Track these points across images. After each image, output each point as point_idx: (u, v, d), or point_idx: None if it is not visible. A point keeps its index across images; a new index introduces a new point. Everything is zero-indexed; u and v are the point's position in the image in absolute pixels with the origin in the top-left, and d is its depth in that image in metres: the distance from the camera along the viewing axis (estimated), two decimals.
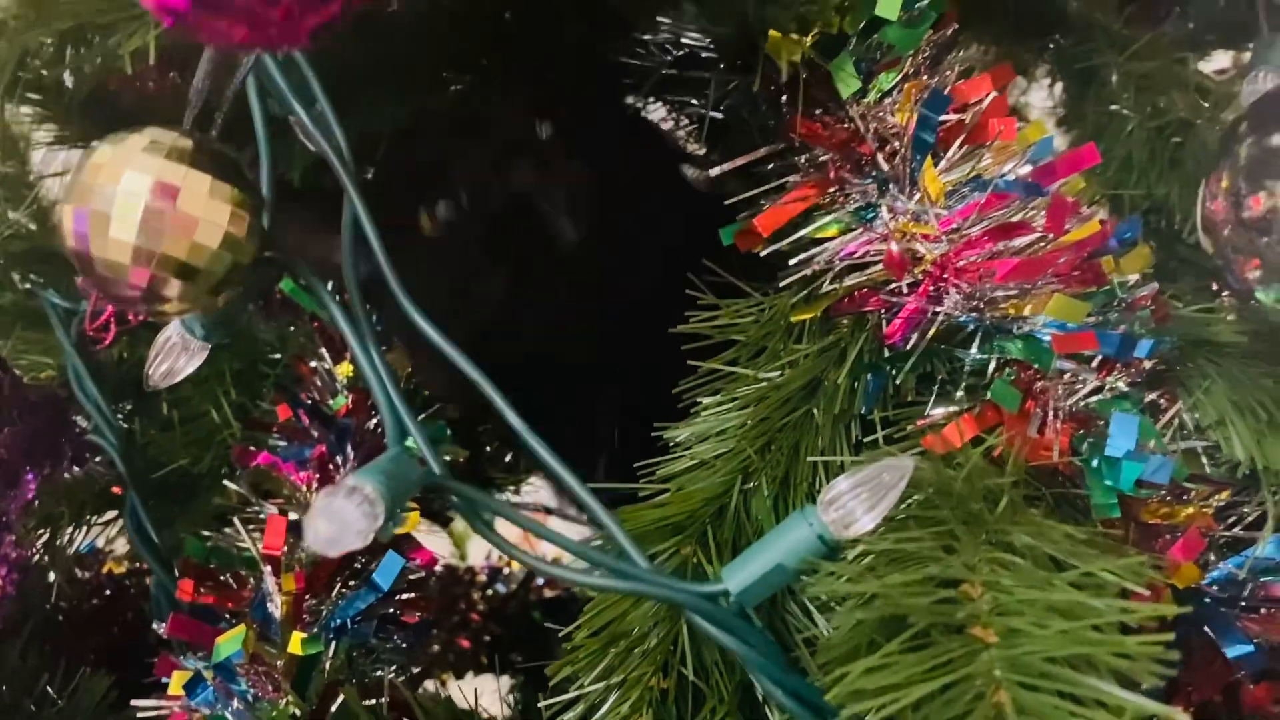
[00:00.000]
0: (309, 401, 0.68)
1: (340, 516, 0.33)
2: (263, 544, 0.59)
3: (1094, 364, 0.49)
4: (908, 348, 0.51)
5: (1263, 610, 0.49)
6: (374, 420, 0.67)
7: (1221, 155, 0.48)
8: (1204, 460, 0.50)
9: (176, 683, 0.57)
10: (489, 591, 1.16)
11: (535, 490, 1.02)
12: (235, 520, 0.63)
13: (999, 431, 0.48)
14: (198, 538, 0.63)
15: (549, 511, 1.02)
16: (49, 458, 0.67)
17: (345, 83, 0.52)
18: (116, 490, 0.74)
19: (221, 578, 0.61)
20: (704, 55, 0.58)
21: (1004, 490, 0.42)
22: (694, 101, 0.65)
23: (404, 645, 0.61)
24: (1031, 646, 0.34)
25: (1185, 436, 0.50)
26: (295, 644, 0.56)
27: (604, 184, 0.63)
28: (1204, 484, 0.49)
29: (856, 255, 0.52)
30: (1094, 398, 0.48)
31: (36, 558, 0.71)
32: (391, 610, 0.61)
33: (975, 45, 0.58)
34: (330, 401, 0.69)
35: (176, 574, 0.62)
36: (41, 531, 0.71)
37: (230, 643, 0.55)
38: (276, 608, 0.58)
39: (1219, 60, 0.83)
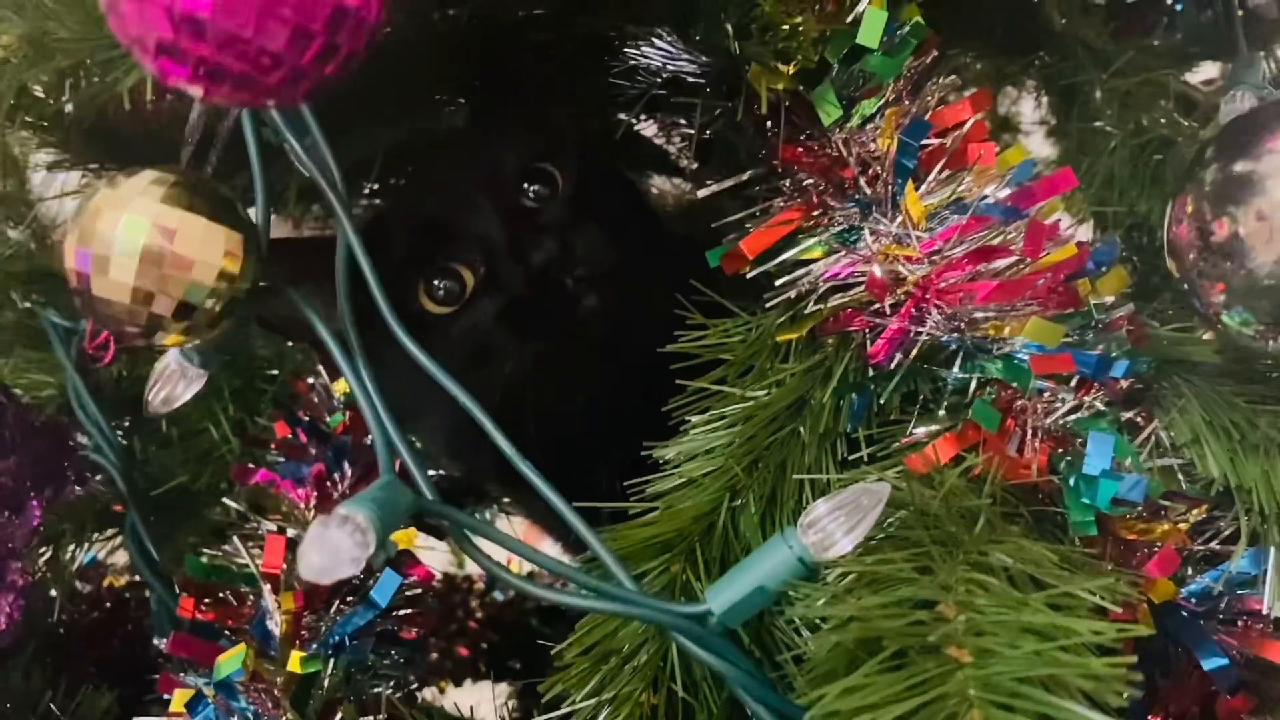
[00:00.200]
0: (306, 419, 0.69)
1: (333, 546, 0.35)
2: (262, 562, 0.60)
3: (1072, 383, 0.50)
4: (891, 367, 0.51)
5: (1239, 623, 0.50)
6: (371, 437, 0.67)
7: (1187, 179, 0.49)
8: (1180, 477, 0.50)
9: (178, 701, 0.58)
10: (486, 599, 1.17)
11: None
12: (234, 538, 0.64)
13: (979, 450, 0.49)
14: (197, 555, 0.64)
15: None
16: (52, 482, 0.67)
17: (337, 109, 0.53)
18: (118, 508, 0.75)
19: (221, 595, 0.62)
20: (691, 80, 0.59)
21: (982, 510, 0.43)
22: (682, 121, 0.66)
23: (402, 661, 0.62)
24: (1004, 667, 0.35)
25: (1162, 454, 0.51)
26: (294, 662, 0.57)
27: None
28: (1180, 501, 0.50)
29: (840, 277, 0.53)
30: (1072, 416, 0.49)
31: (39, 575, 0.72)
32: (390, 627, 0.62)
33: (954, 74, 0.59)
34: (328, 419, 0.70)
35: (177, 591, 0.63)
36: (44, 550, 0.72)
37: (231, 661, 0.56)
38: (276, 625, 0.59)
39: (1207, 70, 0.84)
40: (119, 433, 0.76)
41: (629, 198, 0.74)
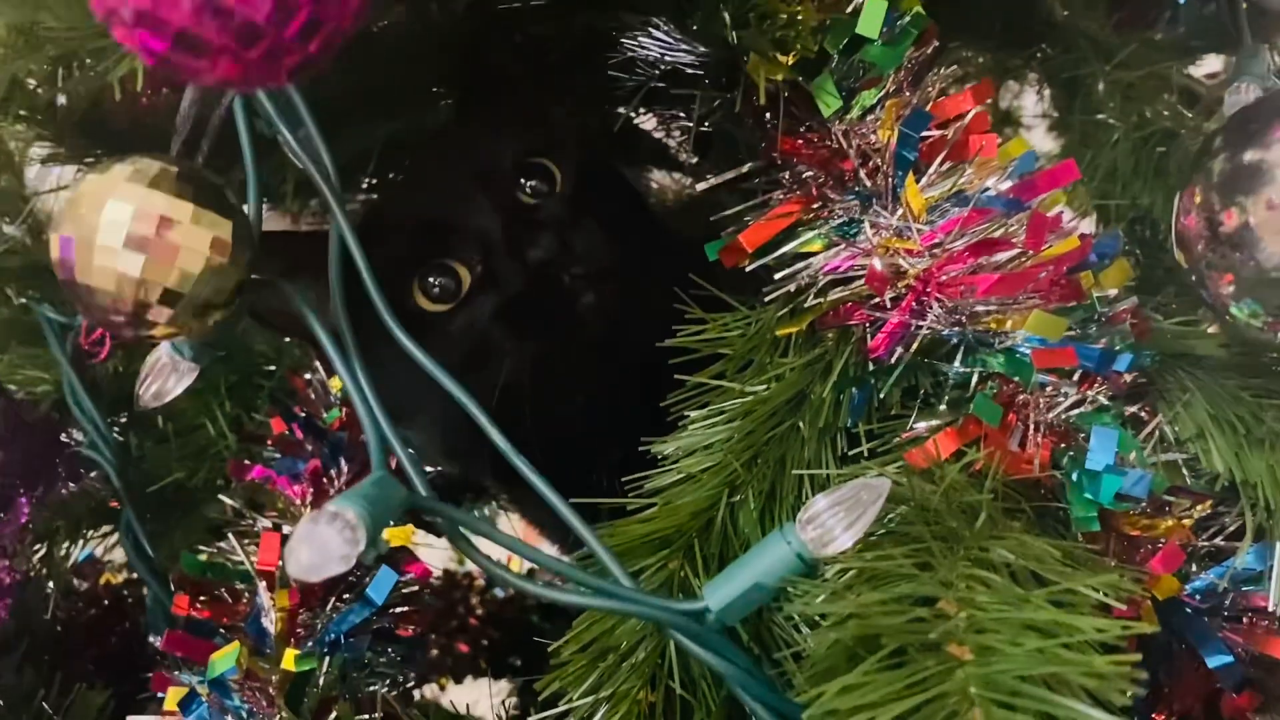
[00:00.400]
0: (303, 415, 0.69)
1: (322, 543, 0.34)
2: (257, 559, 0.60)
3: (1075, 378, 0.49)
4: (892, 361, 0.51)
5: (1244, 619, 0.49)
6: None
7: (1195, 170, 0.48)
8: (1184, 472, 0.50)
9: (172, 699, 0.57)
10: (487, 596, 1.16)
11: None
12: (230, 535, 0.64)
13: (980, 445, 0.48)
14: (193, 552, 0.64)
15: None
16: (43, 480, 0.67)
17: (333, 102, 0.52)
18: (113, 504, 0.75)
19: (216, 592, 0.62)
20: (689, 72, 0.58)
21: (983, 505, 0.42)
22: (681, 114, 0.66)
23: (399, 659, 0.62)
24: (1005, 665, 0.34)
25: (1166, 449, 0.50)
26: (289, 660, 0.56)
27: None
28: (1184, 496, 0.49)
29: (840, 270, 0.52)
30: (1075, 411, 0.49)
31: (34, 572, 0.71)
32: (386, 624, 0.61)
33: (956, 64, 0.58)
34: (324, 415, 0.69)
35: (172, 588, 0.62)
36: (39, 547, 0.71)
37: (225, 659, 0.56)
38: (271, 623, 0.58)
39: (1210, 64, 0.83)
40: (115, 429, 0.76)
41: (626, 194, 0.74)
